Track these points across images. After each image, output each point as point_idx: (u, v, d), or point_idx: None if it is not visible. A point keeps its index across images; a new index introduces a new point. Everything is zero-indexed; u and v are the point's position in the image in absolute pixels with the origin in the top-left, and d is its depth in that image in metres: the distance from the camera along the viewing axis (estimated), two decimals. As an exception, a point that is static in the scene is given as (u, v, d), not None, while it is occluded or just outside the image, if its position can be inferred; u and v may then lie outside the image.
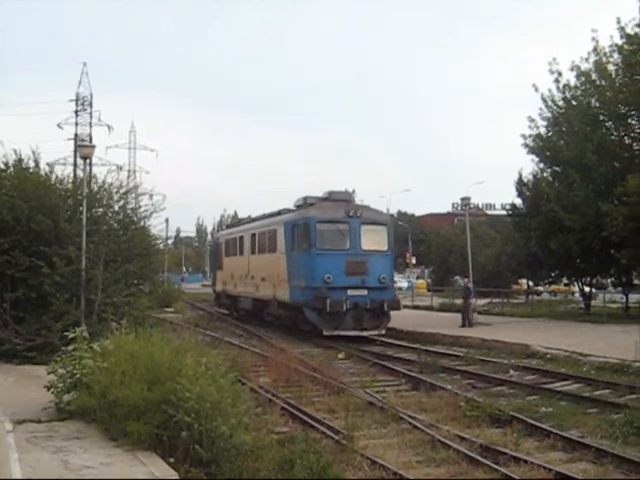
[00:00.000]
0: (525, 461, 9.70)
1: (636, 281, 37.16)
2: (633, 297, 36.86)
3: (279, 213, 30.21)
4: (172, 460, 8.20)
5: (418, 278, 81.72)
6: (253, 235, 32.16)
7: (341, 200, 26.74)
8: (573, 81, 34.64)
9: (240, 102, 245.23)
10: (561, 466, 9.64)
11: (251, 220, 35.85)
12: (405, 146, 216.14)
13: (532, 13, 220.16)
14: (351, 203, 27.01)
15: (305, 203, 27.53)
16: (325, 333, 23.91)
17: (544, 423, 12.00)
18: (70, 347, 11.32)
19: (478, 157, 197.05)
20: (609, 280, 43.14)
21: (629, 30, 32.14)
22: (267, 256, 29.53)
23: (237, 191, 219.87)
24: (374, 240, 25.78)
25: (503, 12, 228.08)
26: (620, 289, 39.24)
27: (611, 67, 33.43)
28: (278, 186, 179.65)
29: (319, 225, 25.27)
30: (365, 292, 24.71)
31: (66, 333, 12.17)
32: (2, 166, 19.78)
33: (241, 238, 34.68)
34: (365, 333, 24.49)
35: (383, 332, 24.90)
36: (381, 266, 25.60)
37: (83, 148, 22.36)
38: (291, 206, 30.24)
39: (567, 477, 9.07)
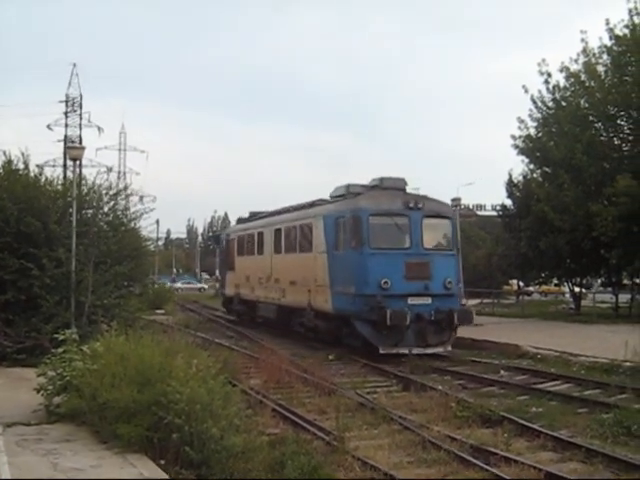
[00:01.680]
0: (516, 461, 9.72)
1: (626, 281, 37.33)
2: (623, 297, 37.02)
3: (312, 205, 25.77)
4: (163, 462, 8.18)
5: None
6: (277, 231, 27.54)
7: (395, 188, 22.36)
8: (562, 82, 34.81)
9: (232, 104, 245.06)
10: (551, 466, 9.67)
11: (272, 213, 30.52)
12: (394, 147, 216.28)
13: (523, 14, 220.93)
14: (408, 192, 22.72)
15: (348, 192, 23.34)
16: (382, 351, 19.79)
17: (534, 423, 12.03)
18: (60, 349, 11.31)
19: (468, 158, 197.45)
20: (599, 280, 43.35)
21: (618, 31, 32.34)
22: (298, 256, 25.18)
23: (228, 193, 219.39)
24: (438, 237, 22.19)
25: (493, 13, 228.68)
26: (610, 289, 39.42)
27: (600, 68, 33.61)
28: (270, 187, 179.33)
29: (372, 218, 20.92)
30: (429, 300, 20.57)
31: (56, 335, 12.16)
32: (-9, 168, 19.70)
33: (260, 234, 29.87)
34: (429, 350, 20.25)
35: (449, 349, 20.99)
36: (446, 268, 21.49)
37: (72, 149, 22.30)
38: (308, 200, 26.98)
39: (557, 477, 9.10)
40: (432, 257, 21.18)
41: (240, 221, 35.85)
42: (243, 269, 32.36)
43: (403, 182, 22.87)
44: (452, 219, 22.92)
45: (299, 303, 24.45)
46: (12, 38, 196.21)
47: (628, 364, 17.45)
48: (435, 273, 20.91)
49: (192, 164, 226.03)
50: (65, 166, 56.02)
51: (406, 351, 19.60)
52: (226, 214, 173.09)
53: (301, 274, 24.38)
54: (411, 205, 21.16)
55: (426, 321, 20.23)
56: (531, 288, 55.74)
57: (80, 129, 75.64)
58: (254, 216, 33.50)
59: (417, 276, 20.62)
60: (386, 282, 20.07)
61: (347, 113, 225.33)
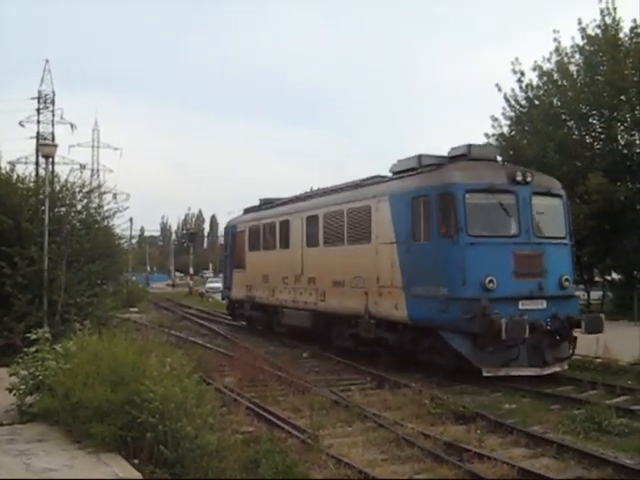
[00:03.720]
0: (489, 457, 9.79)
1: (597, 278, 37.69)
2: (594, 294, 37.39)
3: (364, 183, 20.72)
4: (136, 461, 8.15)
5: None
6: (312, 218, 22.33)
7: (486, 160, 17.54)
8: (536, 81, 35.09)
9: (206, 101, 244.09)
10: (524, 462, 9.77)
11: (301, 198, 25.19)
12: (375, 145, 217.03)
13: (495, 14, 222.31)
14: (507, 164, 17.81)
15: (421, 165, 18.13)
16: (487, 374, 15.38)
17: (507, 420, 12.16)
18: (32, 348, 11.22)
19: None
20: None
21: (590, 31, 32.65)
22: (347, 249, 20.03)
23: (202, 190, 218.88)
24: (550, 221, 17.24)
25: (467, 13, 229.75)
26: (581, 286, 39.81)
27: (572, 67, 33.92)
28: (243, 185, 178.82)
29: (470, 196, 16.07)
30: (543, 304, 16.00)
31: (28, 334, 12.06)
32: (-38, 165, 19.49)
33: (284, 224, 24.57)
34: (547, 371, 15.85)
35: (566, 367, 16.65)
36: (562, 262, 16.88)
37: (45, 147, 22.04)
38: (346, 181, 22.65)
39: (530, 472, 9.19)
40: (545, 247, 16.54)
41: (249, 210, 30.25)
42: (258, 267, 26.96)
43: (495, 151, 18.40)
44: (563, 198, 17.77)
45: (349, 309, 19.63)
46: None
47: (599, 360, 17.68)
48: (549, 268, 16.38)
49: (166, 162, 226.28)
50: (37, 163, 55.49)
51: (519, 373, 15.61)
52: (200, 211, 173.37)
53: (352, 272, 19.53)
54: (518, 178, 16.45)
55: (542, 332, 15.67)
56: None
57: (53, 126, 74.86)
58: (267, 204, 28.41)
59: (528, 272, 16.10)
60: (491, 281, 15.50)
61: (330, 112, 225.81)
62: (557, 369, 16.26)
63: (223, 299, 34.96)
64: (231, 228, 31.39)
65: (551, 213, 17.32)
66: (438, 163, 17.73)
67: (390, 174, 19.85)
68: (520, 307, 15.58)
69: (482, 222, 16.25)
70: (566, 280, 16.62)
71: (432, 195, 16.56)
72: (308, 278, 22.32)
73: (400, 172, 18.95)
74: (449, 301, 15.78)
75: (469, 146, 17.47)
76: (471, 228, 15.89)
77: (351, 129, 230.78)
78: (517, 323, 14.73)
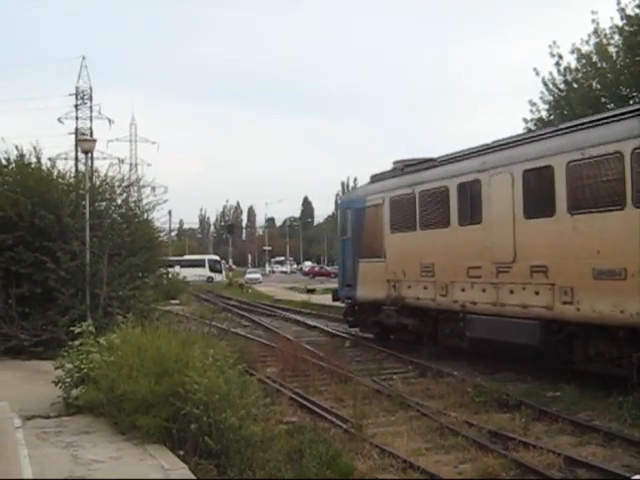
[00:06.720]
0: (534, 446, 9.73)
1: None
2: None
3: None
4: (181, 452, 8.21)
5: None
6: (536, 173, 14.57)
7: None
8: (574, 64, 34.55)
9: (243, 95, 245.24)
10: (570, 450, 9.68)
11: (499, 146, 16.43)
12: (404, 133, 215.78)
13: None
14: None
15: None
16: None
17: (552, 407, 12.02)
18: (77, 342, 11.36)
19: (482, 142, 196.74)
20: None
21: (629, 11, 32.00)
22: (635, 216, 12.05)
23: (239, 182, 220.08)
24: None
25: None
26: None
27: (612, 49, 33.31)
28: (279, 177, 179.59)
29: None
30: None
31: (72, 328, 12.22)
32: (4, 162, 19.69)
33: (470, 187, 16.58)
34: None
35: None
36: None
37: (84, 142, 22.27)
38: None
39: (576, 461, 9.09)
40: None
41: (381, 177, 21.78)
42: (411, 254, 18.98)
43: None
44: None
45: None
46: (22, 33, 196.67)
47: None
48: None
49: (204, 155, 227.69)
50: (77, 159, 56.20)
51: None
52: (238, 203, 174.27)
53: None
54: None
55: None
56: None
57: (91, 121, 75.85)
58: (410, 166, 20.13)
59: None
60: None
61: (353, 101, 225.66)
62: None
63: (335, 300, 25.24)
64: (353, 203, 22.99)
65: None
66: None
67: None
68: None
69: None
70: None
71: None
72: (530, 267, 14.59)
73: None
74: None
75: None
76: None
77: (386, 120, 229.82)
78: None
